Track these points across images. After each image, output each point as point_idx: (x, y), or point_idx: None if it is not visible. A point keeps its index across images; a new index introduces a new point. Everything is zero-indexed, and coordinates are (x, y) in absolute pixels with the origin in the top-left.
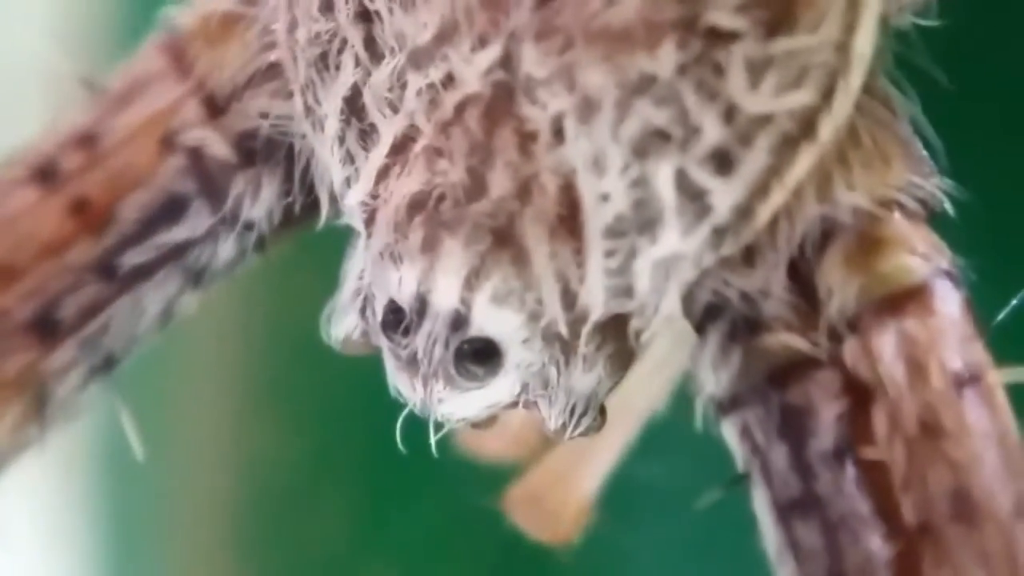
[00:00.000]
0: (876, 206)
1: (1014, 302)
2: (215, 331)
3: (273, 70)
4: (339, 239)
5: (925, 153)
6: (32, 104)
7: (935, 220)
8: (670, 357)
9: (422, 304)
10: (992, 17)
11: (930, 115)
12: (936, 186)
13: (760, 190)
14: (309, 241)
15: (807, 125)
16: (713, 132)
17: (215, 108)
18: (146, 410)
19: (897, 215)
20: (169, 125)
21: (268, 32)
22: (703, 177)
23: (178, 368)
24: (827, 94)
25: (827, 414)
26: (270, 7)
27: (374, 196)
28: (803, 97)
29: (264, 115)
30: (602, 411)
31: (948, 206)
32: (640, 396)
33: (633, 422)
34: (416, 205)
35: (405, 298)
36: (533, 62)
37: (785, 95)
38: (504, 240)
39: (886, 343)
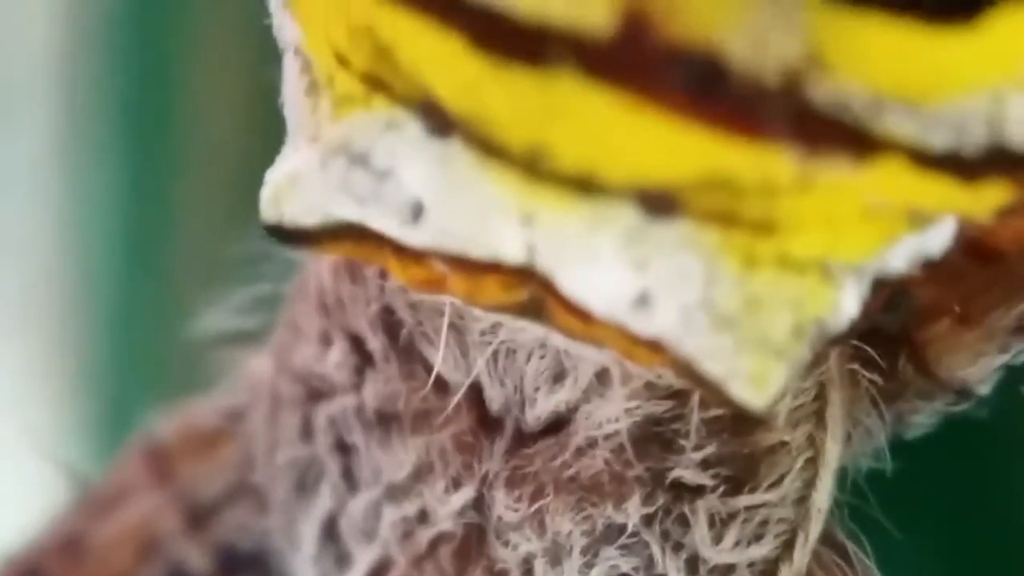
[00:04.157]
0: None
1: None
2: None
3: (253, 486)
4: None
5: None
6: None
7: None
8: None
9: None
10: (938, 462)
11: (880, 562)
12: None
13: None
14: None
15: None
16: None
17: (195, 520)
18: None
19: None
20: (149, 535)
21: (249, 451)
22: None
23: None
24: (787, 546)
25: None
26: (251, 427)
27: None
28: (764, 550)
29: (243, 530)
30: None
31: None
32: None
33: None
34: None
35: None
36: (505, 506)
37: (747, 548)
38: None
39: None
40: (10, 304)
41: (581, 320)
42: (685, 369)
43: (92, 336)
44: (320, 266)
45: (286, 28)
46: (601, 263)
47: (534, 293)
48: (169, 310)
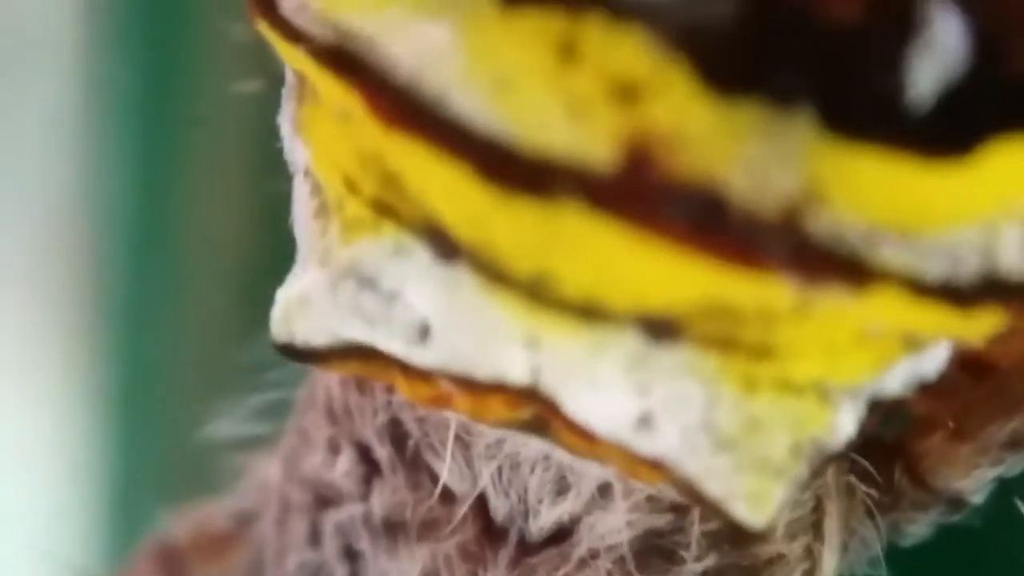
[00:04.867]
0: None
1: None
2: None
3: None
4: None
5: None
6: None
7: None
8: None
9: None
10: (933, 570)
11: None
12: None
13: None
14: None
15: None
16: None
17: None
18: None
19: None
20: None
21: (258, 554)
22: None
23: None
24: None
25: None
26: (261, 531)
27: None
28: None
29: None
30: None
31: None
32: None
33: None
34: None
35: None
36: None
37: None
38: None
39: None
40: (20, 418)
41: (584, 439)
42: (686, 488)
43: (103, 439)
44: (328, 376)
45: (297, 151)
46: (604, 387)
47: (538, 412)
48: (179, 416)
